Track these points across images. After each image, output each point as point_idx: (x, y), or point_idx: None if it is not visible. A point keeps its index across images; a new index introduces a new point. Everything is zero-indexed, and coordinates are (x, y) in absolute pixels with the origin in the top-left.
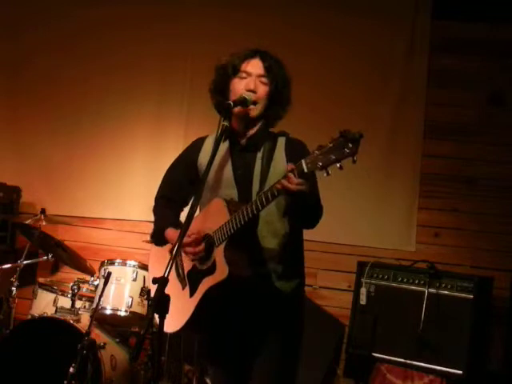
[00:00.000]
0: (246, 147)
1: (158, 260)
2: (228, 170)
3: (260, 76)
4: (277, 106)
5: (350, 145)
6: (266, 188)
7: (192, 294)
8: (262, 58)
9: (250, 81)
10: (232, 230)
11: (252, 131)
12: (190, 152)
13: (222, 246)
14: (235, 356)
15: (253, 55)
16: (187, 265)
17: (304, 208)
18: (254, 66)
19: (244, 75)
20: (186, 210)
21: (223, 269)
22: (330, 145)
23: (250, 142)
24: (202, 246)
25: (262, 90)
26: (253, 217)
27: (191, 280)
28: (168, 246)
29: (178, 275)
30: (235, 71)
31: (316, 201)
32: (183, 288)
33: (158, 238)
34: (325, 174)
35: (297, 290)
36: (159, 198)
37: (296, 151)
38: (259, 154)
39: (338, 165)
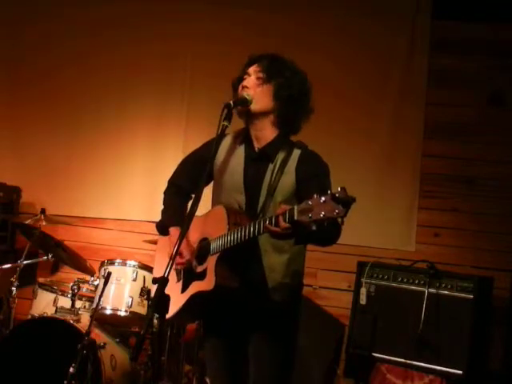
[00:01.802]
0: (259, 156)
1: (164, 249)
2: (240, 176)
3: (257, 74)
4: (288, 107)
5: (341, 207)
6: (271, 201)
7: (183, 290)
8: (258, 61)
9: (245, 80)
10: (227, 246)
11: (268, 139)
12: (207, 148)
13: (215, 257)
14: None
15: (253, 63)
16: None
17: (306, 241)
18: (251, 69)
19: (245, 77)
20: None
21: (211, 280)
22: (323, 198)
23: (264, 151)
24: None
25: (255, 84)
26: (249, 239)
27: (186, 276)
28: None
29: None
30: (240, 80)
31: (323, 232)
32: (178, 281)
33: (162, 232)
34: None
35: (294, 300)
36: (171, 184)
37: (307, 169)
38: (271, 166)
39: (326, 223)
